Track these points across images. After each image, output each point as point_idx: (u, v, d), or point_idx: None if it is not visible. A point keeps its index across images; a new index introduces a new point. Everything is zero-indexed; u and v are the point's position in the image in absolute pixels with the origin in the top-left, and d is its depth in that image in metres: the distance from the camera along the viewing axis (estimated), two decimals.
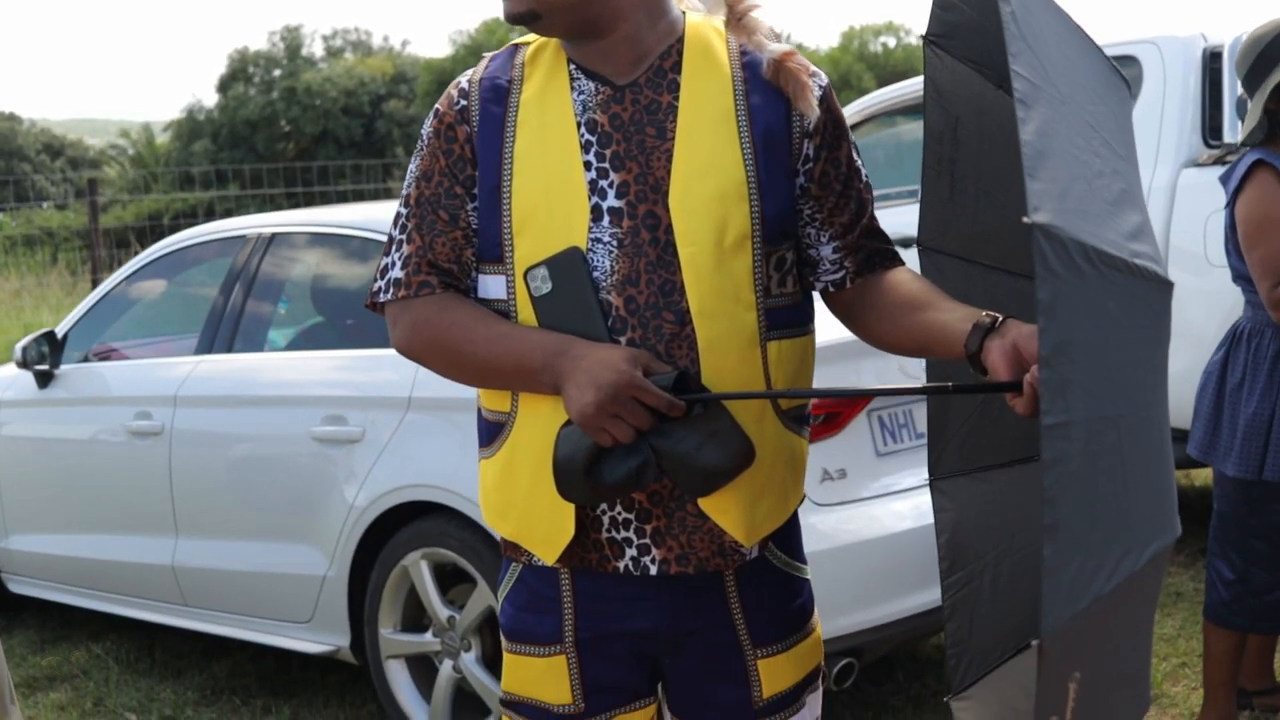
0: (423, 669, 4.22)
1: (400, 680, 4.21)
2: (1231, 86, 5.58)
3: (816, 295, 2.15)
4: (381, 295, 2.07)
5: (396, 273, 2.05)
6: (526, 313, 1.98)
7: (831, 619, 3.37)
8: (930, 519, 3.92)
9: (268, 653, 5.17)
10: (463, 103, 2.03)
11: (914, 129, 7.06)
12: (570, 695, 2.08)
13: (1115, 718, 1.60)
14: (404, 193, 2.08)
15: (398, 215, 2.08)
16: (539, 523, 2.01)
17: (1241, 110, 3.83)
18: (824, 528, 3.67)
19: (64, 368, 5.35)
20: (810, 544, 2.17)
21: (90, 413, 5.15)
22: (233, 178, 22.70)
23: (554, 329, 1.95)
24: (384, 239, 4.47)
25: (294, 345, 4.85)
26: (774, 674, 2.11)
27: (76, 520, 5.20)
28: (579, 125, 1.98)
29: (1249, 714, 4.06)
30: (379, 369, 4.30)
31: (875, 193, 7.31)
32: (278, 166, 14.94)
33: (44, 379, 5.33)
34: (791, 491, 2.08)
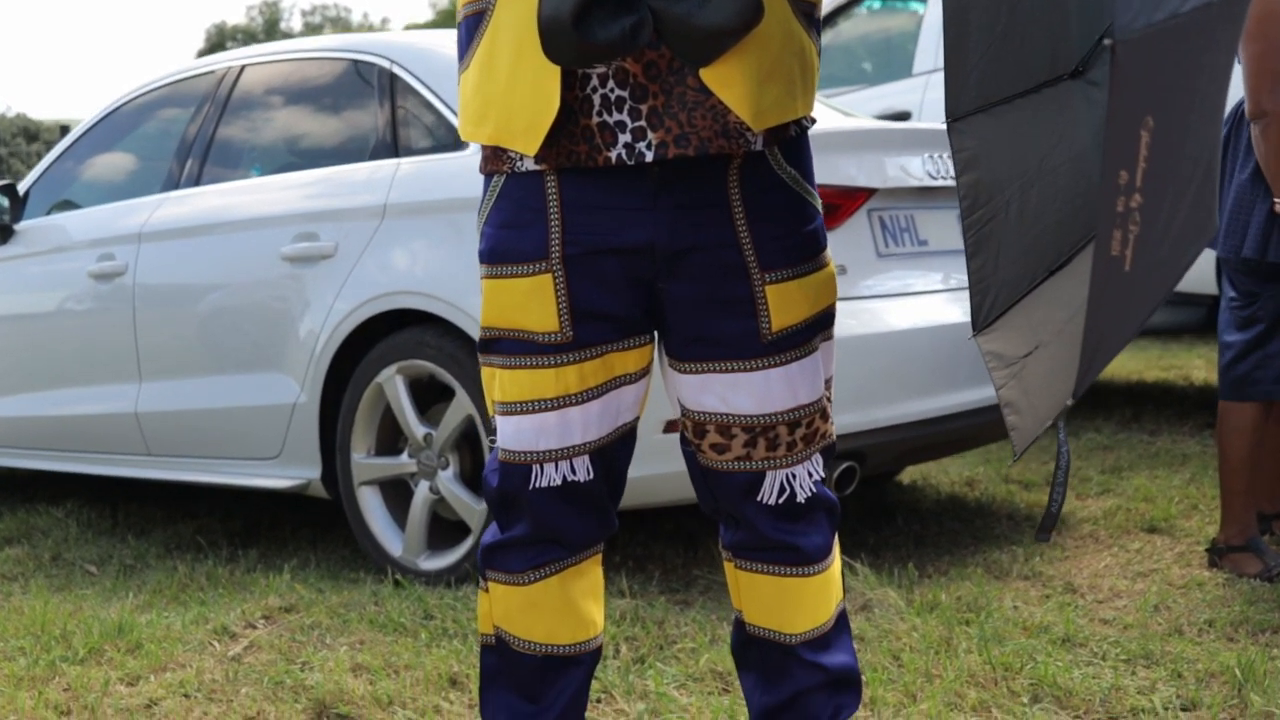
0: (397, 497, 4.00)
1: (373, 507, 3.98)
2: None
3: None
4: None
5: None
6: None
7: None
8: (935, 323, 3.75)
9: (235, 512, 4.94)
10: None
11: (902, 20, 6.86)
12: (557, 320, 1.86)
13: (1181, 219, 1.38)
14: None
15: None
16: (522, 107, 1.80)
17: None
18: None
19: (24, 223, 5.11)
20: None
21: (50, 263, 4.92)
22: None
23: None
24: (367, 58, 4.26)
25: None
26: (784, 303, 1.89)
27: (35, 378, 4.95)
28: None
29: (1268, 538, 3.86)
30: (353, 182, 4.08)
31: (861, 86, 6.78)
32: None
33: (3, 235, 5.09)
34: (800, 91, 1.87)
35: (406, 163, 3.97)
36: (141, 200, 4.70)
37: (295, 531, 4.63)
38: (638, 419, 2.00)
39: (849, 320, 3.56)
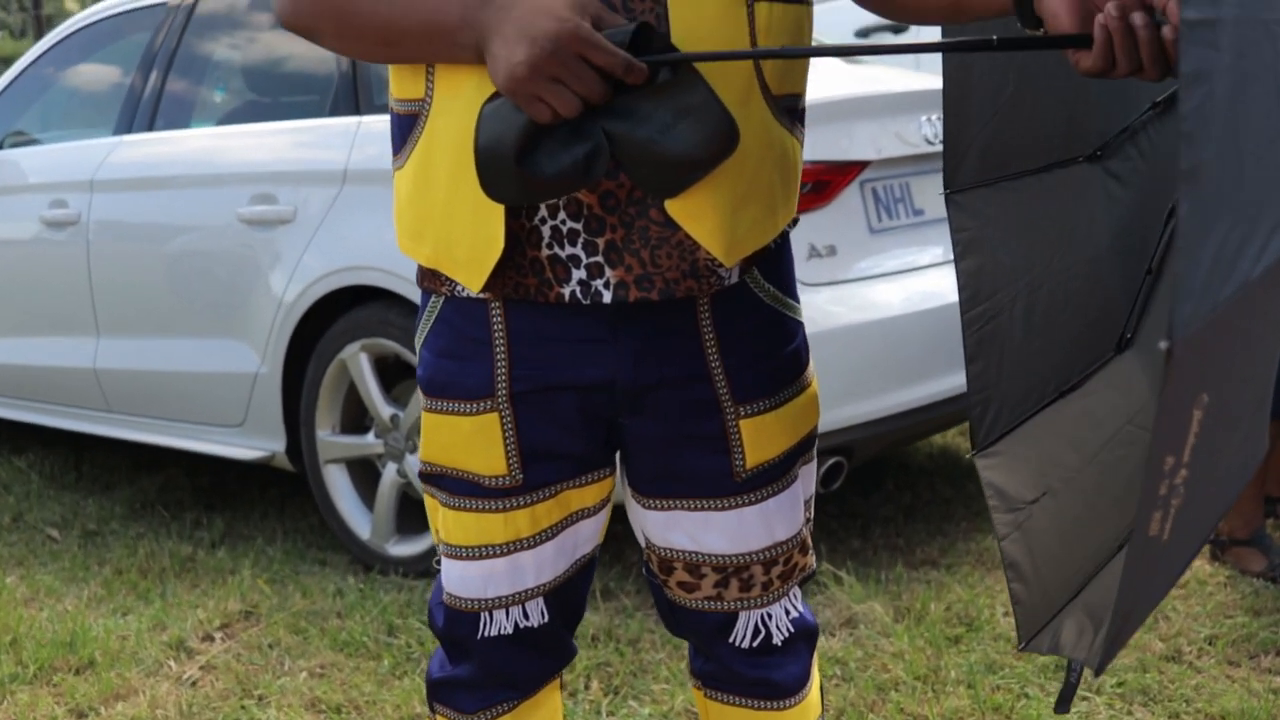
0: (364, 474, 3.82)
1: (340, 486, 3.81)
2: None
3: None
4: None
5: None
6: None
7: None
8: (930, 303, 3.53)
9: (202, 468, 4.77)
10: None
11: None
12: (505, 464, 1.66)
13: (1226, 465, 1.18)
14: None
15: None
16: (461, 237, 1.57)
17: None
18: (810, 310, 3.23)
19: None
20: None
21: (3, 203, 4.67)
22: None
23: None
24: None
25: (223, 124, 4.35)
26: (760, 438, 1.69)
27: None
28: None
29: (1272, 521, 3.70)
30: (312, 141, 3.83)
31: None
32: None
33: None
34: (782, 203, 1.64)
35: (369, 121, 3.71)
36: (94, 143, 4.44)
37: (263, 492, 4.46)
38: (599, 546, 1.81)
39: (837, 308, 3.35)
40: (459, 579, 1.73)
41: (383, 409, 3.65)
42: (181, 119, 4.34)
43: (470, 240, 1.56)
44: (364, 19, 1.52)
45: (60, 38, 4.84)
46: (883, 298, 3.44)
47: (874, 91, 3.60)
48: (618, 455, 1.74)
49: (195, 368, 4.03)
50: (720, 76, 1.49)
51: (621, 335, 1.61)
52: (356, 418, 3.80)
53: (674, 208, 1.52)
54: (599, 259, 1.55)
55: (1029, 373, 1.83)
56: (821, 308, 3.30)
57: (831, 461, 3.35)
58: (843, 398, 3.29)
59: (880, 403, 3.39)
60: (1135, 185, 1.72)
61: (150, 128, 4.30)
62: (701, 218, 1.53)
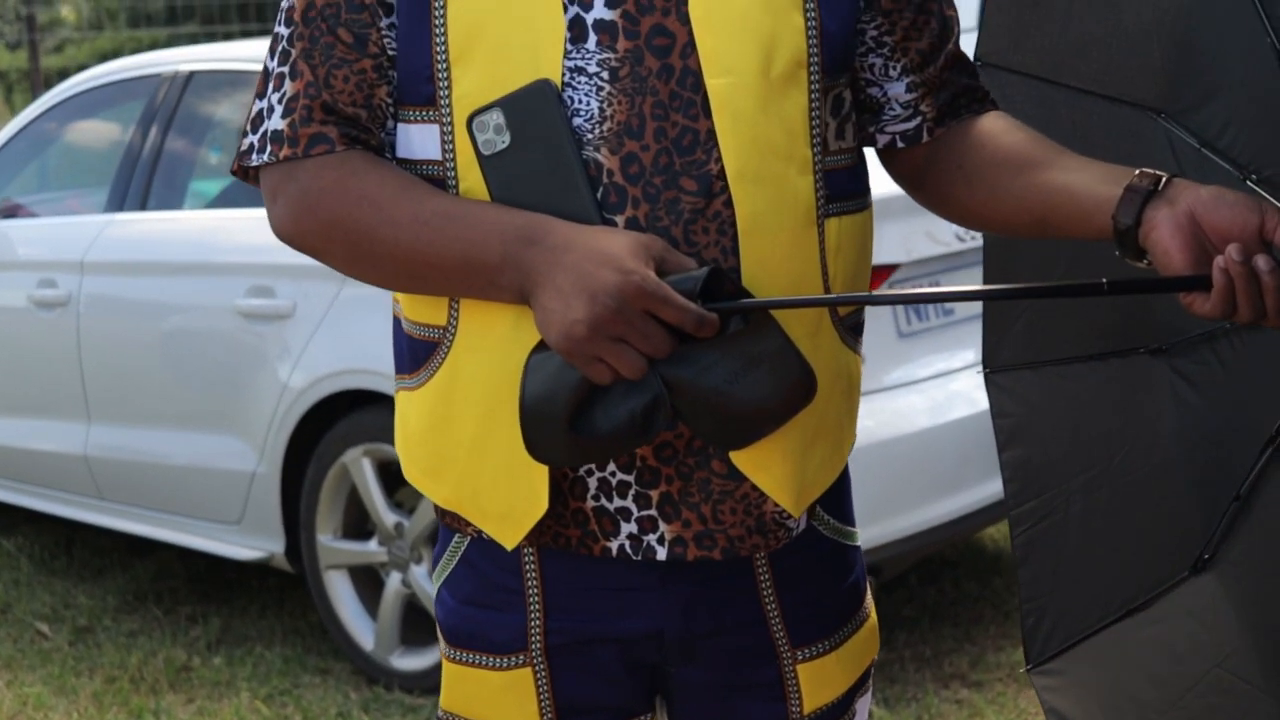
0: (368, 581, 3.66)
1: (342, 593, 3.64)
2: None
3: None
4: (254, 156, 1.41)
5: (276, 123, 1.38)
6: (473, 180, 1.35)
7: None
8: (961, 411, 3.37)
9: (198, 554, 4.59)
10: None
11: None
12: None
13: None
14: (284, 4, 1.41)
15: (276, 38, 1.41)
16: (492, 489, 1.40)
17: None
18: None
19: None
20: None
21: None
22: (195, 14, 21.08)
23: (515, 204, 1.32)
24: None
25: (217, 204, 4.18)
26: (818, 681, 1.52)
27: None
28: None
29: None
30: None
31: None
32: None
33: None
34: (847, 430, 1.49)
35: None
36: (84, 220, 4.28)
37: (262, 581, 4.29)
38: None
39: (867, 422, 3.11)
40: None
41: (386, 516, 3.49)
42: (176, 194, 4.18)
43: (505, 495, 1.39)
44: (384, 247, 1.36)
45: (48, 106, 4.67)
46: (913, 409, 3.29)
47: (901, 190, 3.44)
48: (657, 704, 1.58)
49: (190, 462, 3.87)
50: (792, 314, 1.34)
51: (670, 585, 1.44)
52: (359, 521, 3.64)
53: (739, 457, 1.36)
54: (652, 512, 1.38)
55: (1088, 583, 1.67)
56: None
57: None
58: (871, 516, 3.11)
59: (910, 519, 3.24)
60: (1211, 394, 1.56)
61: (143, 205, 4.13)
62: (770, 467, 1.37)
